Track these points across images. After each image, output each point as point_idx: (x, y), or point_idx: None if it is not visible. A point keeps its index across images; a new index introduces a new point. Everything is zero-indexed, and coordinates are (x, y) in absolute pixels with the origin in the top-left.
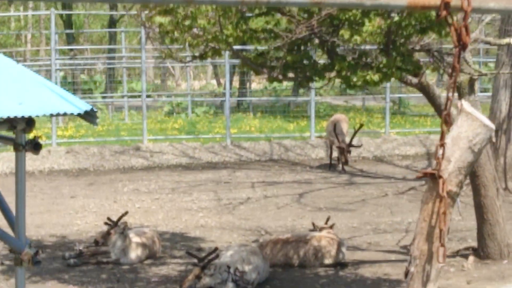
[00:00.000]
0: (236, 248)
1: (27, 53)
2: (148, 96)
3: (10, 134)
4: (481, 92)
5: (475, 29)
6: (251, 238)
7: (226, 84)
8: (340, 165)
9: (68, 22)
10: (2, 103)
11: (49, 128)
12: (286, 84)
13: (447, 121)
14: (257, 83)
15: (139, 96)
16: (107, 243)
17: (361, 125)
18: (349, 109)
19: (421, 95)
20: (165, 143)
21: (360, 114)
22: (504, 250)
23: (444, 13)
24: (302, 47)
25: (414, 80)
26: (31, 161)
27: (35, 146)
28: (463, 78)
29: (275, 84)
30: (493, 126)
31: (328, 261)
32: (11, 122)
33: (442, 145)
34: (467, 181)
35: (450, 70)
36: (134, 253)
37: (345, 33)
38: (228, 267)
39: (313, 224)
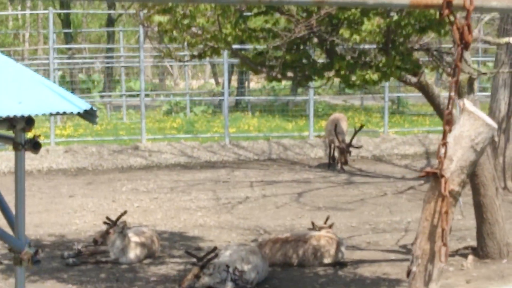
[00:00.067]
0: (235, 247)
1: (25, 52)
2: (146, 96)
3: (9, 133)
4: (480, 91)
5: (474, 28)
6: (250, 238)
7: (225, 83)
8: (339, 165)
9: (66, 21)
10: (1, 102)
11: (47, 127)
12: (284, 83)
13: (449, 120)
14: (255, 82)
15: (138, 96)
16: (106, 242)
17: (362, 126)
18: (348, 109)
19: (419, 94)
20: (164, 142)
21: (359, 114)
22: (504, 250)
23: (446, 11)
24: (301, 46)
25: (413, 80)
26: (30, 160)
27: (35, 145)
28: (462, 77)
29: (274, 83)
30: (495, 125)
31: (327, 260)
32: (10, 121)
33: (444, 144)
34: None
35: (449, 69)
36: (133, 253)
37: (345, 32)
38: (227, 266)
39: (313, 224)
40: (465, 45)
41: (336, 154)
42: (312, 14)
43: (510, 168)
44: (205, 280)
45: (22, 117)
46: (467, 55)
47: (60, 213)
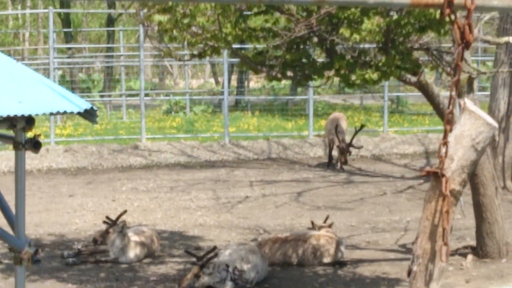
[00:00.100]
0: (235, 247)
1: (25, 51)
2: (146, 95)
3: (10, 133)
4: (479, 90)
5: (474, 28)
6: (250, 237)
7: (225, 83)
8: (339, 164)
9: (66, 20)
10: (1, 102)
11: (47, 127)
12: (284, 82)
13: (450, 120)
14: (255, 81)
15: (137, 95)
16: (106, 242)
17: (362, 126)
18: (347, 108)
19: (419, 93)
20: (164, 141)
21: (358, 113)
22: (503, 249)
23: (447, 11)
24: (301, 46)
25: (413, 79)
26: (30, 160)
27: (35, 145)
28: (462, 77)
29: (273, 82)
30: (496, 124)
31: (327, 260)
32: (10, 121)
33: (445, 143)
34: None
35: (448, 69)
36: (133, 252)
37: (345, 31)
38: (227, 266)
39: (312, 223)
40: (466, 45)
41: (336, 153)
42: (312, 13)
43: (510, 168)
44: (204, 279)
45: (23, 116)
46: (466, 54)
47: (60, 213)
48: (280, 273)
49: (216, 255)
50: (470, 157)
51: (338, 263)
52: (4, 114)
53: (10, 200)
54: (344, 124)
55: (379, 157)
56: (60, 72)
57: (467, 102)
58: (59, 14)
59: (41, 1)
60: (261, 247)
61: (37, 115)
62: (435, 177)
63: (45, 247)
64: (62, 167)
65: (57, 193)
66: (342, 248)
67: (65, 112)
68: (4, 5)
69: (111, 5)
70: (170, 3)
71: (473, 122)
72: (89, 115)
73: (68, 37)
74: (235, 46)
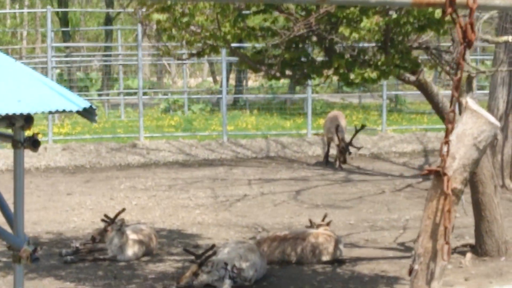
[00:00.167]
0: (233, 245)
1: (23, 50)
2: (144, 94)
3: (8, 131)
4: (478, 89)
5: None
6: (248, 235)
7: (223, 82)
8: (338, 163)
9: (64, 19)
10: (0, 100)
11: (45, 125)
12: (282, 81)
13: (452, 118)
14: (253, 80)
15: (136, 94)
16: (104, 240)
17: (363, 126)
18: (346, 107)
19: (417, 92)
20: (162, 140)
21: (357, 112)
22: (502, 247)
23: (449, 10)
24: (300, 45)
25: (412, 78)
26: (28, 158)
27: (34, 143)
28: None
29: (272, 81)
30: (498, 123)
31: (325, 258)
32: (9, 119)
33: (447, 142)
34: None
35: (448, 68)
36: (131, 250)
37: (344, 30)
38: (226, 264)
39: (310, 221)
40: (468, 44)
41: (335, 152)
42: (311, 12)
43: (508, 166)
44: (203, 277)
45: (21, 115)
46: (466, 53)
47: (58, 211)
48: (279, 271)
49: (214, 253)
50: (472, 155)
51: (336, 261)
52: (3, 113)
53: (8, 198)
54: (343, 122)
55: (377, 155)
56: (58, 71)
57: (469, 101)
58: (57, 13)
59: (39, 0)
60: (259, 245)
61: (36, 113)
62: (437, 175)
63: (43, 245)
64: (60, 165)
65: (55, 192)
66: (341, 246)
67: (64, 111)
68: (2, 4)
69: (109, 4)
70: (168, 2)
71: (475, 121)
72: (88, 114)
73: (66, 36)
74: (234, 45)
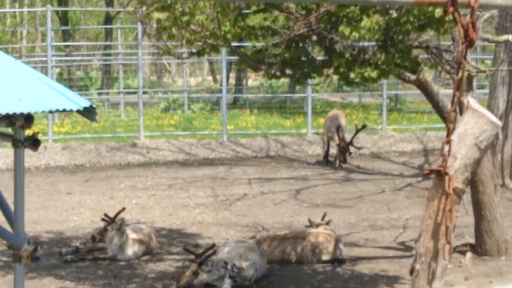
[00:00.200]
0: (233, 244)
1: (23, 49)
2: (144, 93)
3: (8, 131)
4: (478, 89)
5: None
6: (248, 235)
7: (223, 81)
8: (337, 162)
9: (64, 18)
10: (1, 100)
11: (45, 125)
12: (282, 80)
13: (454, 118)
14: (253, 79)
15: (135, 93)
16: (104, 239)
17: (364, 126)
18: (346, 106)
19: (417, 91)
20: (162, 139)
21: (357, 111)
22: (502, 247)
23: (451, 9)
24: (300, 44)
25: (412, 77)
26: (28, 157)
27: (34, 143)
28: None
29: (272, 80)
30: (499, 123)
31: (325, 257)
32: (9, 119)
33: (448, 142)
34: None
35: (448, 67)
36: (131, 250)
37: (344, 29)
38: (226, 263)
39: (310, 221)
40: (470, 43)
41: (335, 151)
42: (311, 11)
43: (508, 166)
44: (203, 277)
45: (22, 114)
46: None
47: (58, 210)
48: (279, 271)
49: (214, 252)
50: (473, 155)
51: (337, 261)
52: (3, 112)
53: (8, 197)
54: (343, 122)
55: (377, 155)
56: (58, 70)
57: (471, 100)
58: (57, 12)
59: None
60: (259, 245)
61: (36, 113)
62: (438, 175)
63: (43, 245)
64: (60, 164)
65: (55, 191)
66: (341, 245)
67: (64, 110)
68: (2, 3)
69: (109, 3)
70: (168, 1)
71: (476, 121)
72: (88, 113)
73: (66, 35)
74: (234, 44)
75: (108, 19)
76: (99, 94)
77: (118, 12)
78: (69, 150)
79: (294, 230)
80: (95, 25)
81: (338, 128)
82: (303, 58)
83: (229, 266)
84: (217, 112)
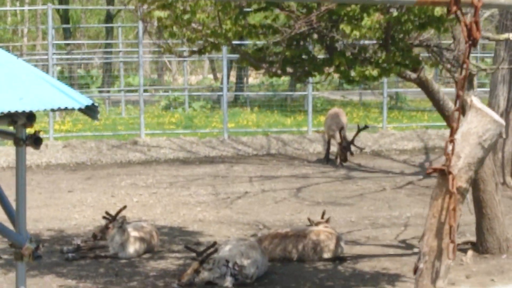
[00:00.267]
0: (235, 242)
1: (24, 48)
2: (145, 91)
3: (9, 129)
4: (478, 87)
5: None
6: (249, 232)
7: (224, 79)
8: (338, 160)
9: (65, 17)
10: (2, 98)
11: (46, 122)
12: (283, 78)
13: (457, 118)
14: (254, 77)
15: (136, 91)
16: (105, 237)
17: (366, 126)
18: (346, 104)
19: (418, 90)
20: (163, 137)
21: (358, 109)
22: (503, 245)
23: (454, 8)
24: (301, 42)
25: (413, 75)
26: (29, 155)
27: (36, 141)
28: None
29: (273, 78)
30: (503, 121)
31: (327, 255)
32: (11, 117)
33: (452, 141)
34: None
35: (449, 65)
36: (133, 247)
37: (345, 27)
38: (227, 261)
39: (309, 220)
40: (473, 42)
41: (336, 149)
42: (312, 10)
43: (509, 164)
44: (204, 275)
45: (23, 112)
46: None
47: (59, 208)
48: (280, 269)
49: (216, 250)
50: (477, 154)
51: (338, 259)
52: (5, 110)
53: (10, 195)
54: (344, 120)
55: (378, 153)
56: (58, 68)
57: (474, 99)
58: (57, 10)
59: None
60: (261, 243)
61: (38, 111)
62: (442, 174)
63: (45, 243)
64: (61, 162)
65: (56, 189)
66: (342, 243)
67: (66, 109)
68: (3, 1)
69: (110, 2)
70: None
71: (480, 120)
72: (90, 111)
73: (67, 33)
74: (235, 42)
75: (109, 17)
76: (100, 92)
77: (119, 10)
78: (70, 148)
79: (295, 228)
80: (96, 23)
81: (341, 130)
82: (304, 57)
83: (230, 264)
84: (218, 110)
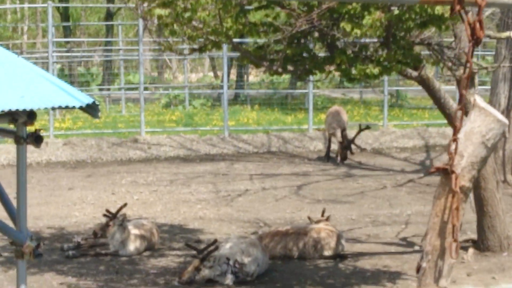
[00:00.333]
0: (235, 240)
1: (24, 45)
2: (145, 89)
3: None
4: (479, 85)
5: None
6: (250, 230)
7: (224, 77)
8: (339, 158)
9: (65, 14)
10: (3, 96)
11: (46, 120)
12: (283, 76)
13: (460, 117)
14: (254, 75)
15: (137, 89)
16: (106, 235)
17: (368, 127)
18: (347, 102)
19: (419, 87)
20: (163, 135)
21: (358, 107)
22: (504, 243)
23: (458, 7)
24: (302, 40)
25: (414, 74)
26: (29, 153)
27: (36, 139)
28: (462, 71)
29: (273, 76)
30: (506, 121)
31: (327, 253)
32: (12, 115)
33: (455, 140)
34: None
35: (450, 64)
36: (133, 245)
37: (346, 25)
38: (228, 259)
39: (309, 218)
40: (477, 41)
41: (336, 147)
42: (313, 8)
43: (510, 162)
44: (205, 272)
45: (24, 111)
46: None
47: (60, 206)
48: (281, 266)
49: (216, 248)
50: (480, 153)
51: (338, 256)
52: (6, 109)
53: (10, 193)
54: (344, 117)
55: (379, 150)
56: (58, 66)
57: (477, 98)
58: (58, 8)
59: None
60: (261, 240)
61: (38, 109)
62: (445, 173)
63: (45, 240)
64: (62, 160)
65: (56, 186)
66: (343, 241)
67: (67, 107)
68: None
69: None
70: None
71: (483, 119)
72: (91, 109)
73: (67, 31)
74: (235, 40)
75: (109, 15)
76: (100, 90)
77: (119, 8)
78: (71, 146)
79: (296, 225)
80: (96, 21)
81: (343, 130)
82: (304, 55)
83: (231, 262)
84: (218, 108)
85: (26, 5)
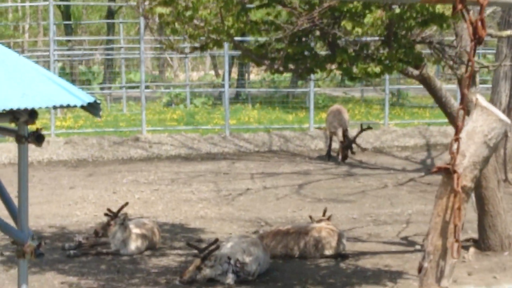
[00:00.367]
0: (237, 239)
1: (25, 44)
2: (146, 87)
3: (10, 126)
4: (480, 84)
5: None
6: (251, 229)
7: (225, 75)
8: (340, 157)
9: (66, 13)
10: (4, 95)
11: (47, 119)
12: (285, 75)
13: (462, 116)
14: (255, 74)
15: (138, 87)
16: (107, 234)
17: (369, 127)
18: (348, 101)
19: (420, 86)
20: (164, 134)
21: (359, 106)
22: (505, 242)
23: (459, 6)
24: (303, 39)
25: (415, 72)
26: (30, 152)
27: (38, 138)
28: (464, 70)
29: (274, 75)
30: (508, 120)
31: (328, 252)
32: (13, 114)
33: (457, 139)
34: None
35: (451, 62)
36: (134, 244)
37: (347, 24)
38: (229, 258)
39: (310, 217)
40: (479, 40)
41: (337, 146)
42: (314, 7)
43: (511, 160)
44: (206, 272)
45: (25, 109)
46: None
47: (61, 205)
48: (282, 266)
49: (217, 247)
50: (482, 153)
51: (339, 256)
52: (7, 108)
53: (11, 191)
54: (346, 116)
55: (380, 149)
56: (60, 65)
57: (479, 98)
58: (59, 6)
59: None
60: (262, 240)
61: (40, 108)
62: (447, 173)
63: (46, 239)
64: (63, 159)
65: (57, 185)
66: (344, 240)
67: (68, 106)
68: None
69: None
70: None
71: (485, 118)
72: (92, 108)
73: (68, 30)
74: (237, 39)
75: (110, 14)
76: (101, 88)
77: (120, 7)
78: (72, 145)
79: (297, 225)
80: (97, 19)
81: (345, 130)
82: (306, 53)
83: (232, 261)
84: (220, 106)
85: (27, 4)
